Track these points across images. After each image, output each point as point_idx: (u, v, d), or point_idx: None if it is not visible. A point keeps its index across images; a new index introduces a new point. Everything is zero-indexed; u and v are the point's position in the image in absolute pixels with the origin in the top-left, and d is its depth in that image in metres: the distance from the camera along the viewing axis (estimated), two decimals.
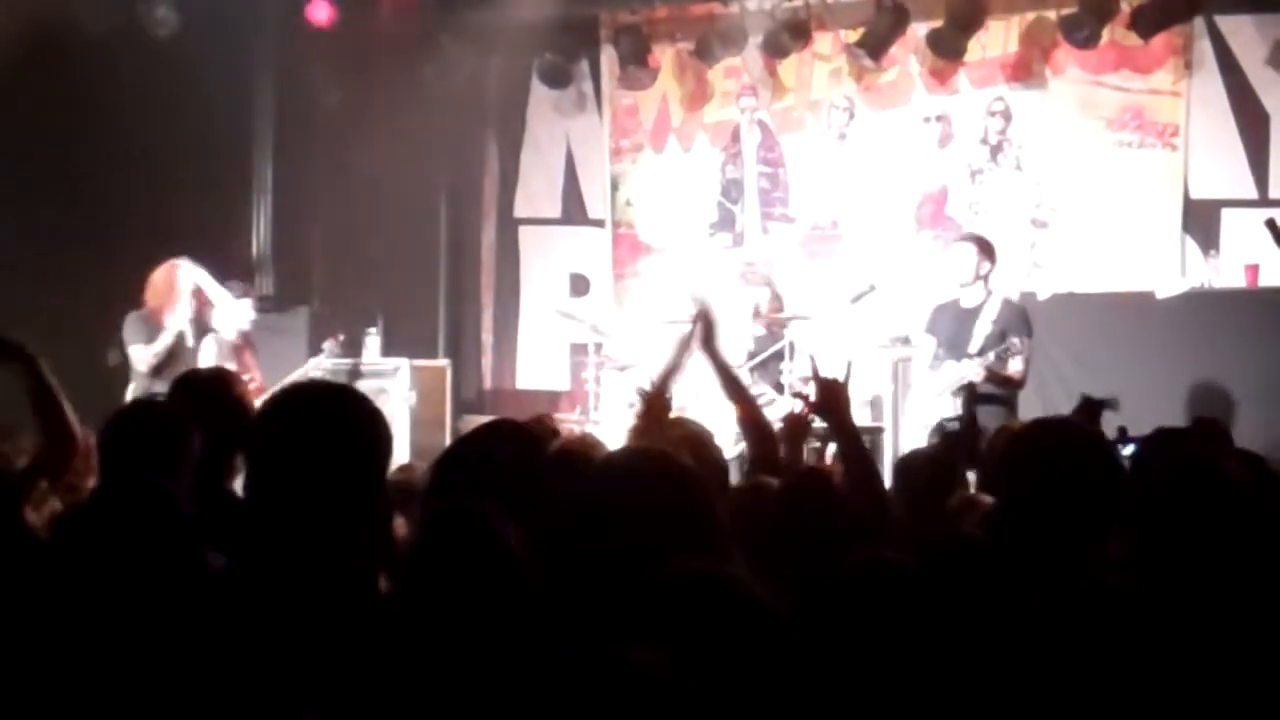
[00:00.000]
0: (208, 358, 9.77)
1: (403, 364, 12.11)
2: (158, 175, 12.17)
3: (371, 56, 12.91)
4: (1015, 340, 9.65)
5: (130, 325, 9.81)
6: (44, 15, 11.49)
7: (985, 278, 10.00)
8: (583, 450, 4.10)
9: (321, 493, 3.14)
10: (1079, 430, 3.91)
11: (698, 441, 4.95)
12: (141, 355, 9.64)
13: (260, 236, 13.36)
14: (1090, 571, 3.26)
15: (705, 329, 5.44)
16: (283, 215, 13.40)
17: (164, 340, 9.64)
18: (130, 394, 9.27)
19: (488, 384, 14.36)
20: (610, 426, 10.76)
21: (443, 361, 13.15)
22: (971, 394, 9.32)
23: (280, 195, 13.42)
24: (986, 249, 10.09)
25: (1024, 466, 3.72)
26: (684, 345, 5.43)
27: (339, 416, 3.24)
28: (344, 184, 13.56)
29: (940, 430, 9.33)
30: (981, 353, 9.69)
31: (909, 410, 10.37)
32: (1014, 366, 9.66)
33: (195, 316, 9.83)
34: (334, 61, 13.05)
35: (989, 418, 8.95)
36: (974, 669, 3.00)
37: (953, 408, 9.60)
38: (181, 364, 9.59)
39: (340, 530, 3.14)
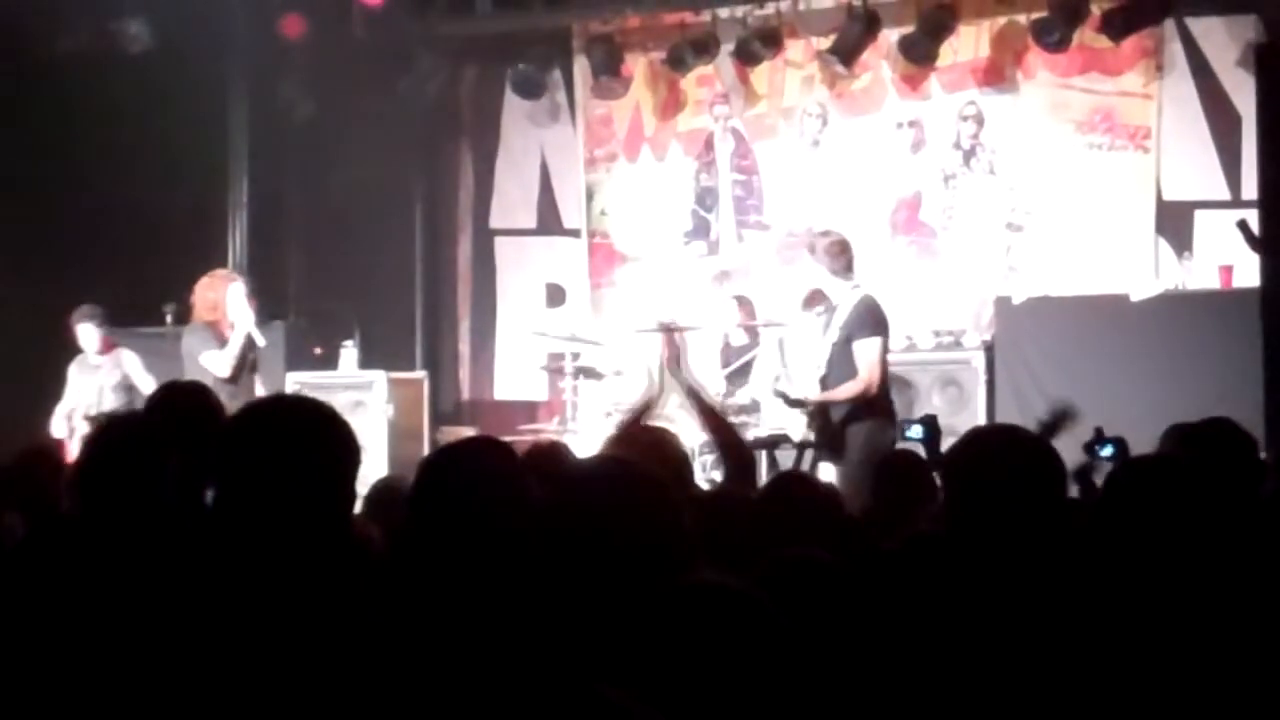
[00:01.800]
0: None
1: (380, 376, 12.10)
2: (133, 189, 12.14)
3: (345, 69, 12.90)
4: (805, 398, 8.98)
5: (194, 337, 9.75)
6: (17, 31, 11.49)
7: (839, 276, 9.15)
8: (550, 459, 4.11)
9: (287, 506, 3.15)
10: (1018, 432, 3.97)
11: (659, 443, 4.96)
12: (218, 360, 9.56)
13: (236, 250, 13.33)
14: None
15: (672, 354, 5.47)
16: (258, 229, 13.38)
17: (237, 342, 9.61)
18: None
19: (465, 395, 14.36)
20: (588, 436, 10.76)
21: (420, 373, 13.13)
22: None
23: (256, 209, 13.39)
24: (832, 249, 9.21)
25: (967, 467, 3.77)
26: (653, 378, 5.46)
27: (306, 429, 3.25)
28: (319, 197, 13.57)
29: None
30: (829, 361, 8.89)
31: None
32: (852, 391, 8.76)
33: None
34: (308, 75, 13.05)
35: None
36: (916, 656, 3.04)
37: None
38: (248, 371, 9.70)
39: (306, 543, 3.14)
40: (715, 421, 5.82)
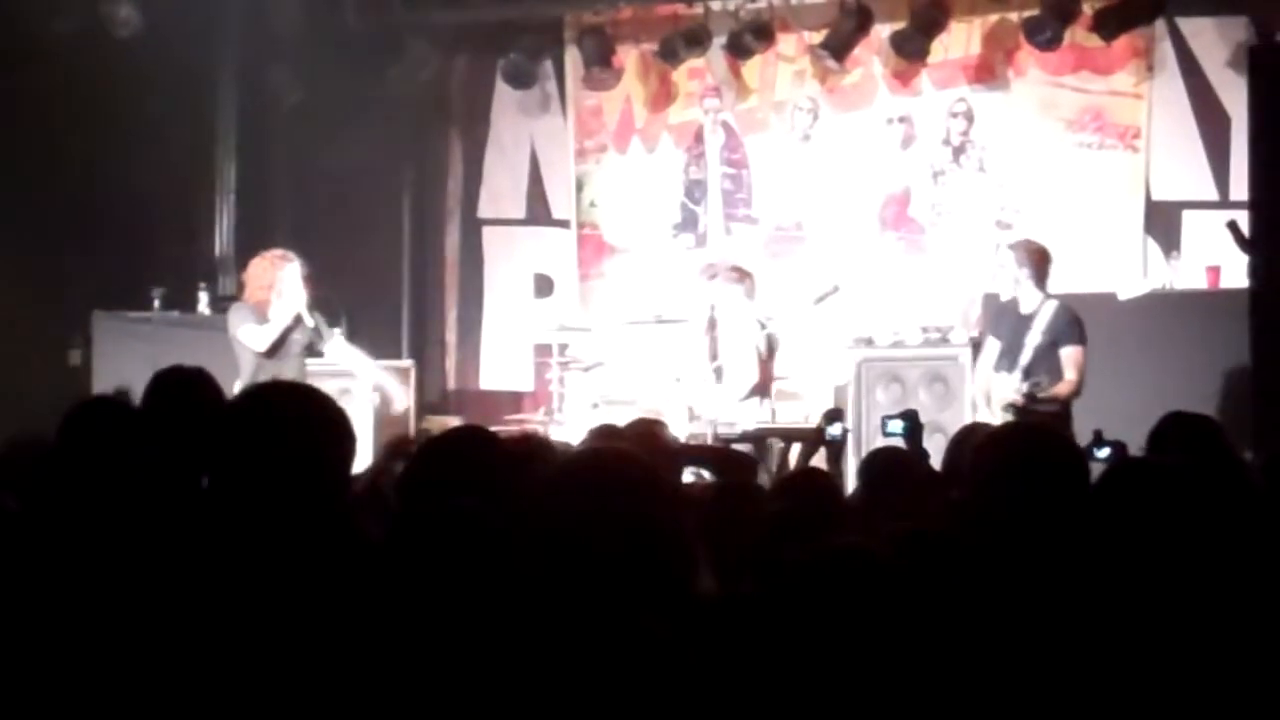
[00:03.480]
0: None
1: None
2: (120, 175, 12.11)
3: (336, 56, 12.87)
4: (1043, 379, 9.37)
5: (236, 314, 9.74)
6: (5, 14, 11.45)
7: (1037, 283, 9.71)
8: (539, 451, 4.11)
9: (278, 491, 3.14)
10: (1047, 432, 3.96)
11: (647, 434, 4.96)
12: (257, 335, 9.54)
13: (223, 237, 13.29)
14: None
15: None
16: (246, 216, 13.33)
17: (282, 321, 9.60)
18: (238, 387, 8.91)
19: (451, 385, 14.34)
20: (573, 427, 10.75)
21: (406, 362, 13.10)
22: (1021, 414, 9.20)
23: (243, 195, 13.35)
24: (1030, 255, 9.79)
25: (993, 466, 3.76)
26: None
27: (301, 414, 3.25)
28: (307, 184, 13.54)
29: None
30: (1030, 365, 9.46)
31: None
32: (1058, 388, 9.36)
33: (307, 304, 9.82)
34: (298, 61, 13.03)
35: None
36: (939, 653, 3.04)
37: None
38: (289, 352, 9.67)
39: (296, 528, 3.13)
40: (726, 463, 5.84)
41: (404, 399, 10.97)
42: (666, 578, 2.86)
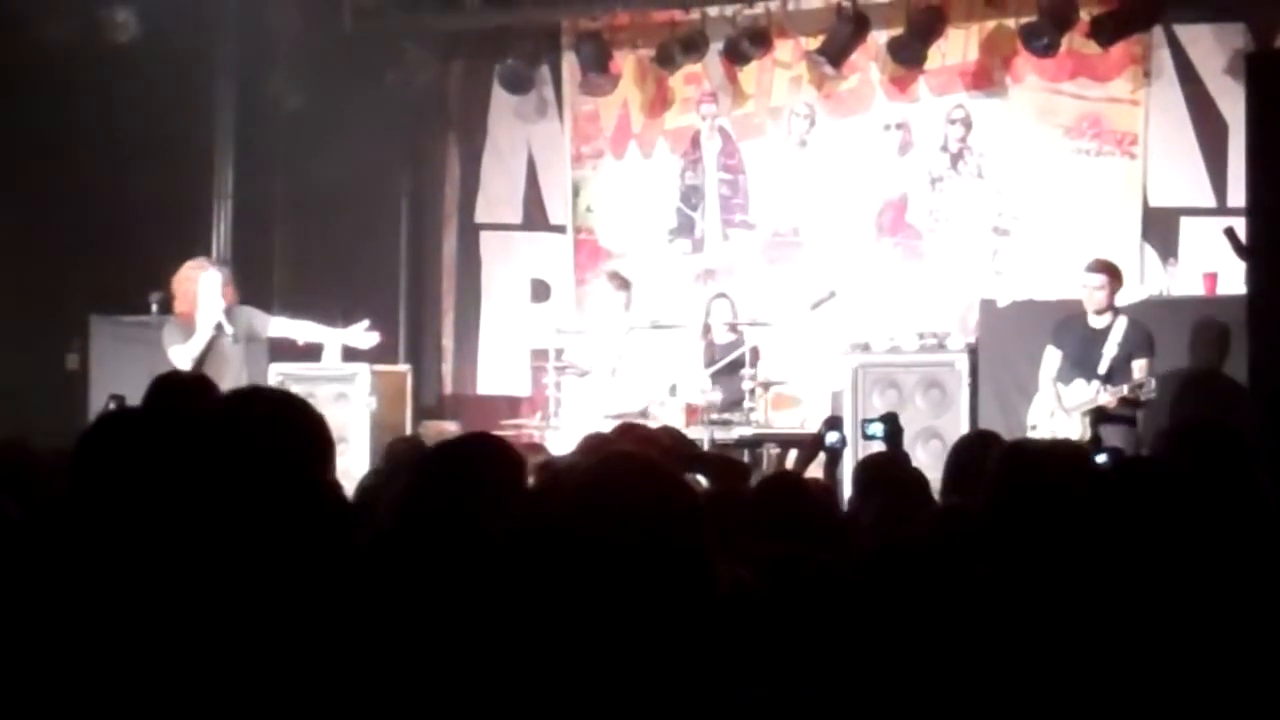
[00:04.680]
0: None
1: (363, 369, 12.05)
2: (118, 180, 12.11)
3: (334, 61, 12.88)
4: (1149, 380, 9.95)
5: (166, 332, 9.96)
6: (3, 18, 11.44)
7: (1113, 303, 10.29)
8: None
9: (253, 495, 3.13)
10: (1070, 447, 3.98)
11: (652, 438, 4.96)
12: (181, 353, 9.72)
13: (221, 241, 13.27)
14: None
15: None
16: (244, 220, 13.32)
17: (203, 335, 9.74)
18: None
19: (448, 389, 14.34)
20: (570, 432, 10.75)
21: (403, 367, 13.10)
22: (1100, 415, 9.94)
23: (241, 200, 13.34)
24: (1115, 276, 10.32)
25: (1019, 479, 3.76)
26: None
27: (279, 420, 3.25)
28: (305, 189, 13.52)
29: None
30: (1109, 374, 10.04)
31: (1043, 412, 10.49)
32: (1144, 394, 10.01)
33: (229, 310, 9.94)
34: (296, 66, 13.02)
35: (1114, 437, 9.67)
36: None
37: (1080, 426, 9.99)
38: (221, 360, 9.75)
39: (279, 529, 3.13)
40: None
41: (374, 339, 10.95)
42: (688, 574, 2.87)
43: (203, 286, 9.82)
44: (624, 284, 11.38)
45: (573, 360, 11.86)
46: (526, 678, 2.57)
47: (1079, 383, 10.13)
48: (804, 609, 3.05)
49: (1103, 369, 10.06)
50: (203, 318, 9.78)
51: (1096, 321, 10.23)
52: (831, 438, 6.86)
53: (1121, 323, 10.17)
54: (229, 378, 9.59)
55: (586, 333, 12.03)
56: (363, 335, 10.99)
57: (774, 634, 2.89)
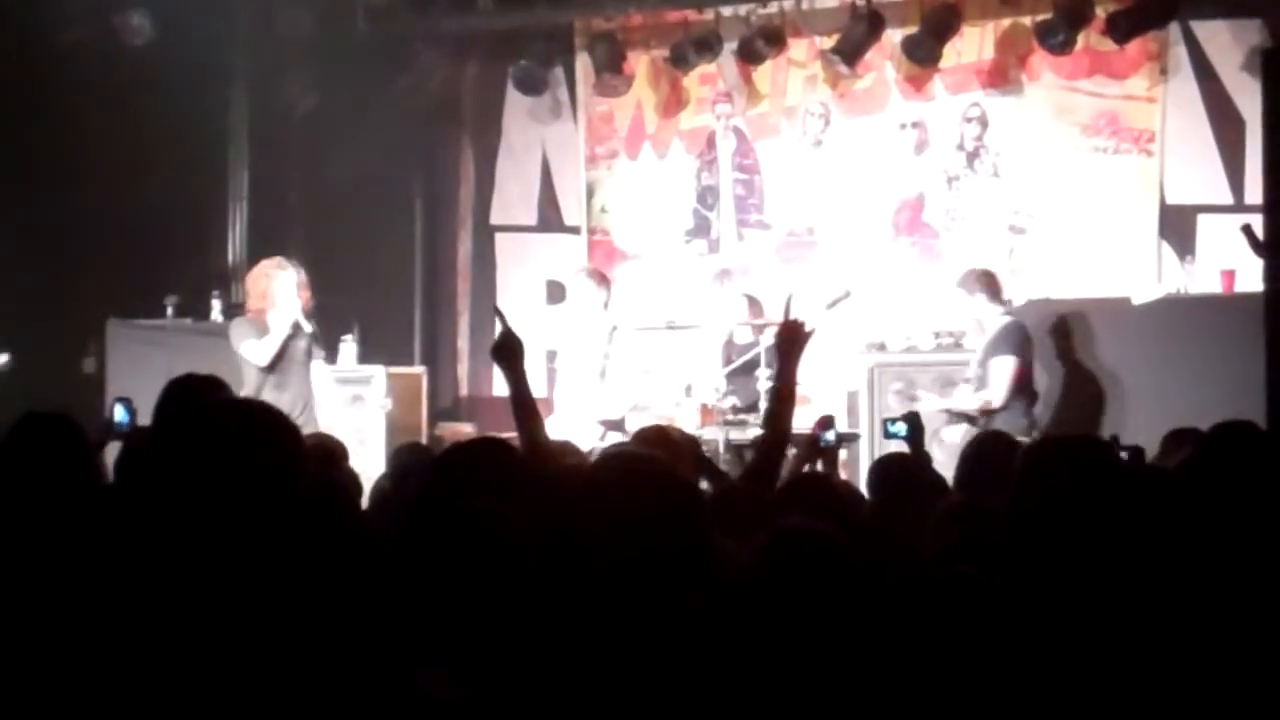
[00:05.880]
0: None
1: (379, 371, 12.07)
2: (133, 183, 12.14)
3: (347, 63, 12.88)
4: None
5: (236, 329, 9.82)
6: (17, 24, 11.47)
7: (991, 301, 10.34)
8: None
9: (219, 509, 3.09)
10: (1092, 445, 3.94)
11: (662, 439, 4.96)
12: (256, 349, 9.57)
13: (236, 244, 13.29)
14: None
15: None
16: (258, 223, 13.33)
17: (279, 332, 9.60)
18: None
19: (464, 391, 14.34)
20: (563, 435, 10.71)
21: (419, 368, 13.12)
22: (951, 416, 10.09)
23: (256, 202, 13.35)
24: (979, 282, 10.39)
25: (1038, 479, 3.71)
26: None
27: (240, 436, 3.20)
28: (319, 191, 13.52)
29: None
30: (973, 379, 10.17)
31: None
32: (974, 404, 10.05)
33: (306, 310, 9.82)
34: (309, 68, 13.03)
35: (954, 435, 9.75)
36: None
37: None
38: (292, 362, 9.67)
39: (243, 542, 3.09)
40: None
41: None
42: (696, 562, 2.88)
43: (279, 285, 9.74)
44: (604, 280, 11.28)
45: (559, 363, 11.78)
46: (529, 678, 2.55)
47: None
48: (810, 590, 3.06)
49: (970, 372, 10.27)
50: (278, 317, 9.69)
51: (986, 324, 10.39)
52: (827, 437, 6.89)
53: (992, 324, 10.25)
54: (296, 380, 9.59)
55: (568, 333, 11.87)
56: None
57: (778, 624, 2.88)
